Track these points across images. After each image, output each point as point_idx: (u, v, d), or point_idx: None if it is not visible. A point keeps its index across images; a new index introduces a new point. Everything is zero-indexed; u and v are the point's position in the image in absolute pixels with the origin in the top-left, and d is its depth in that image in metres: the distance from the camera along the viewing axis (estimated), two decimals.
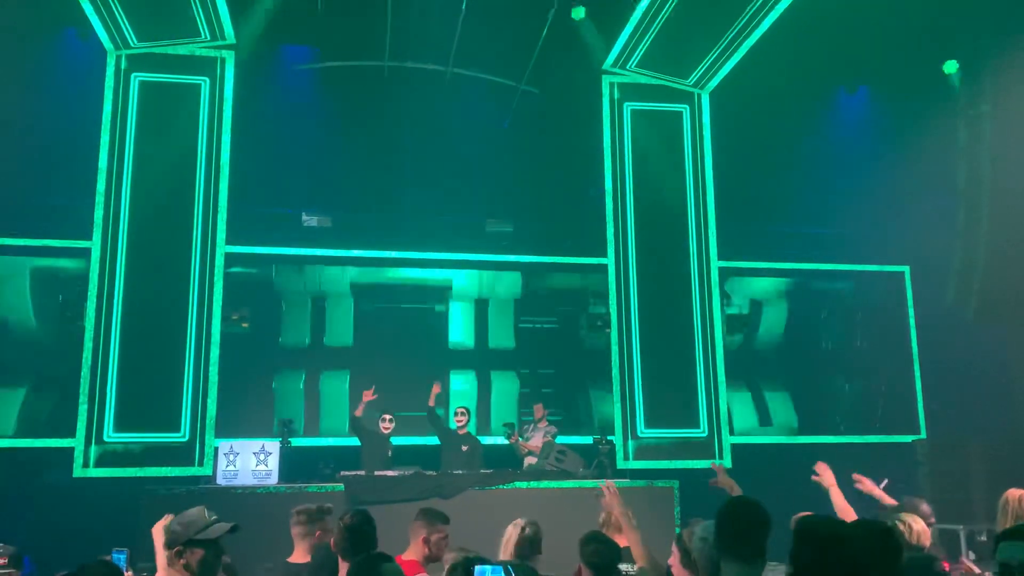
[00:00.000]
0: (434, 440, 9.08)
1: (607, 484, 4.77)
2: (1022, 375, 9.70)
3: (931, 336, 11.56)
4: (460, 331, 11.03)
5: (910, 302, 11.96)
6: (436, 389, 9.07)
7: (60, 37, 9.99)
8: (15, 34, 9.24)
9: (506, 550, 4.37)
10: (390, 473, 8.48)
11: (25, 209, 9.49)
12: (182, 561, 3.06)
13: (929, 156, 10.57)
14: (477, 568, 2.96)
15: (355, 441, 9.20)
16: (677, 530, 8.37)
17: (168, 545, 3.13)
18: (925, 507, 4.99)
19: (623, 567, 4.27)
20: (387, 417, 8.99)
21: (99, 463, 8.72)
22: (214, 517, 3.20)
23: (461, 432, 9.07)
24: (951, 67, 10.56)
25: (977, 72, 9.98)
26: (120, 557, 4.56)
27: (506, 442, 9.36)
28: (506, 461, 9.25)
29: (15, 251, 9.45)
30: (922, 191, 10.70)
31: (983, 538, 8.26)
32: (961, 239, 9.90)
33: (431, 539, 4.41)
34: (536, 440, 9.25)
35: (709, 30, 9.66)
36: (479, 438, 9.30)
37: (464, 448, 8.96)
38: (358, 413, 8.80)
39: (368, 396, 8.81)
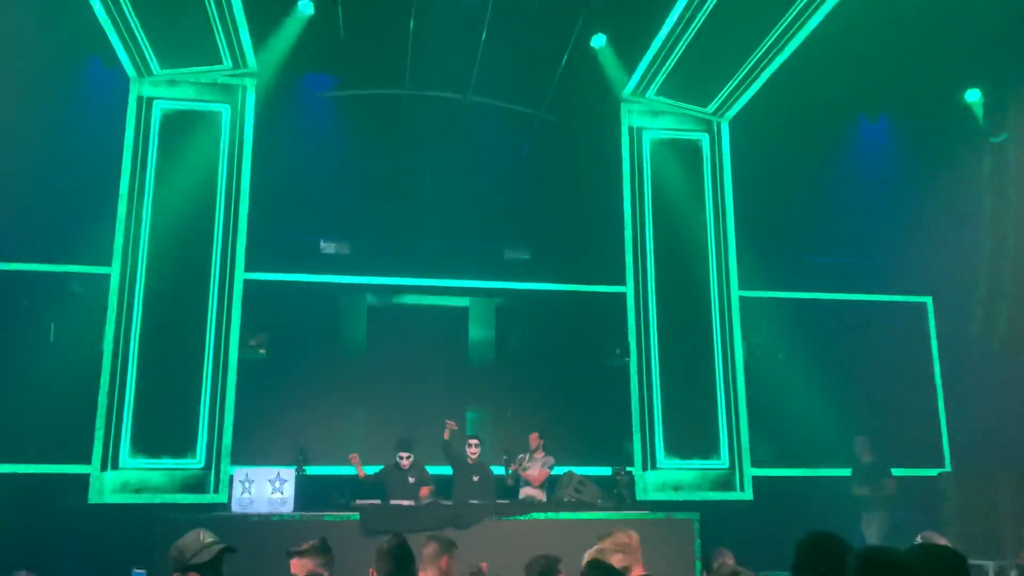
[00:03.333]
0: (449, 470, 9.00)
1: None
2: None
3: (955, 367, 11.41)
4: (479, 357, 10.95)
5: (933, 332, 11.83)
6: (452, 425, 9.02)
7: (84, 65, 10.12)
8: (40, 61, 9.37)
9: None
10: (405, 503, 8.39)
11: (46, 234, 9.55)
12: None
13: (950, 185, 10.50)
14: None
15: (369, 469, 9.18)
16: (697, 564, 8.23)
17: (169, 572, 3.15)
18: (943, 542, 4.84)
19: None
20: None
21: (114, 489, 8.67)
22: (210, 540, 3.20)
23: (472, 462, 8.99)
24: (972, 96, 10.50)
25: (999, 100, 9.91)
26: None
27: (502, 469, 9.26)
28: (512, 492, 9.15)
29: (35, 276, 9.49)
30: (943, 221, 10.60)
31: (1014, 574, 8.06)
32: (987, 268, 9.77)
33: (450, 563, 4.41)
34: (535, 470, 9.10)
35: (729, 58, 9.66)
36: (492, 468, 9.21)
37: (475, 478, 8.87)
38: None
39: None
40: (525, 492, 9.05)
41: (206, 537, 3.28)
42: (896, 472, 10.97)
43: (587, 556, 4.53)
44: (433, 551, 4.76)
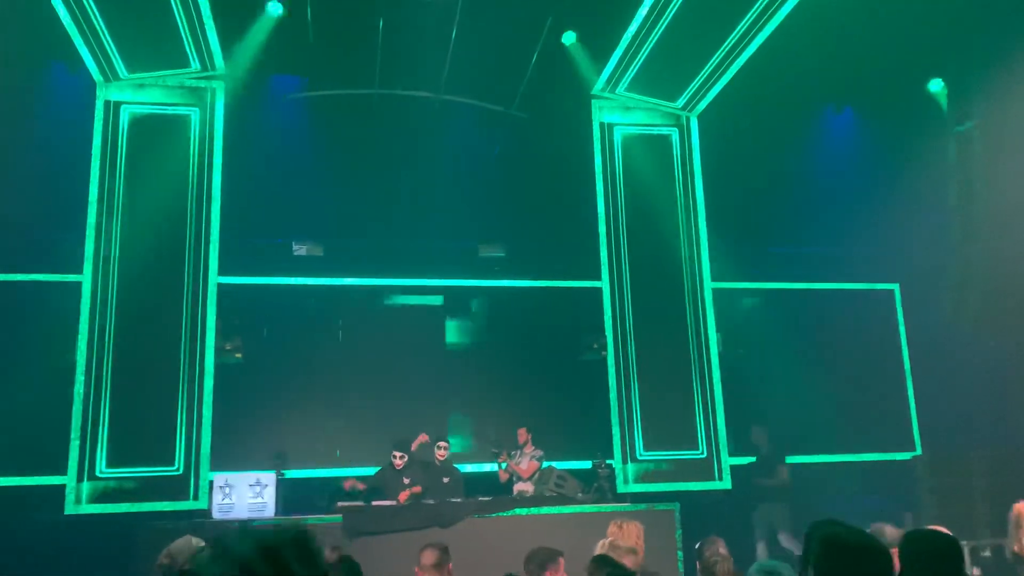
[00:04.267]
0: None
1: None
2: (1020, 388, 9.73)
3: (923, 352, 11.63)
4: (456, 356, 10.97)
5: (900, 319, 12.06)
6: (423, 438, 9.05)
7: (48, 71, 9.97)
8: (3, 68, 9.21)
9: None
10: (387, 503, 8.39)
11: (15, 243, 9.41)
12: None
13: (915, 174, 10.68)
14: None
15: (346, 472, 9.17)
16: (679, 553, 8.34)
17: None
18: (891, 530, 4.88)
19: None
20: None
21: (92, 499, 8.55)
22: (202, 545, 3.20)
23: (438, 463, 9.02)
24: (936, 85, 10.71)
25: (964, 89, 10.10)
26: None
27: (494, 468, 9.30)
28: (496, 489, 9.19)
29: (5, 286, 9.34)
30: (909, 209, 10.79)
31: (987, 553, 8.24)
32: (956, 255, 9.96)
33: (449, 569, 4.44)
34: (524, 464, 9.19)
35: (697, 54, 9.74)
36: (459, 467, 9.25)
37: (445, 480, 8.91)
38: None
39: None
40: (518, 487, 9.11)
41: (197, 542, 3.29)
42: (869, 457, 11.20)
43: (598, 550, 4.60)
44: (436, 558, 4.77)
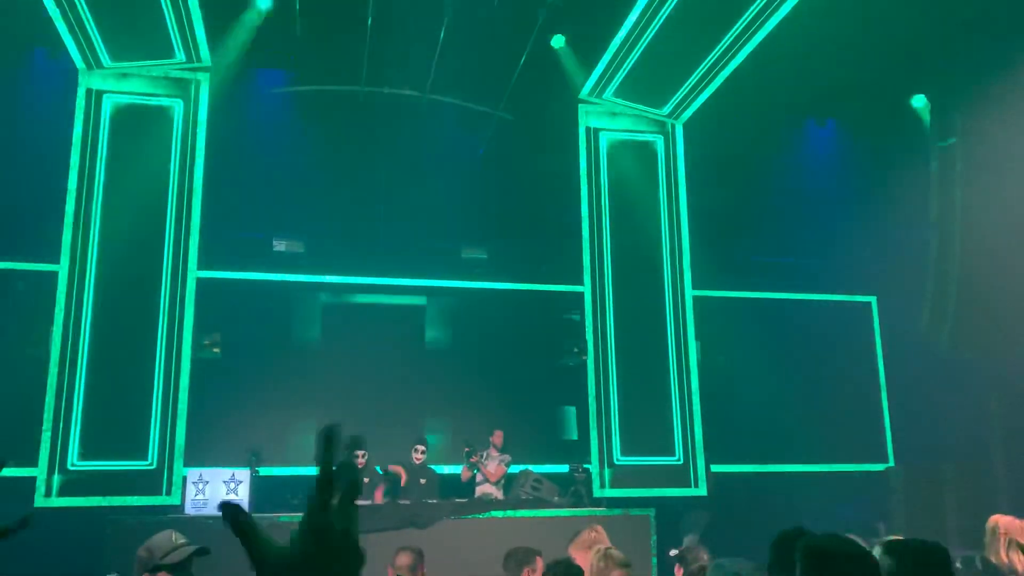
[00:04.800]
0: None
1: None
2: (992, 402, 9.86)
3: (898, 365, 11.75)
4: (435, 356, 10.93)
5: (877, 331, 12.17)
6: (396, 469, 9.03)
7: (28, 56, 9.84)
8: None
9: None
10: (363, 503, 8.35)
11: None
12: None
13: (895, 188, 10.80)
14: None
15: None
16: (654, 559, 8.36)
17: (137, 572, 3.08)
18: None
19: None
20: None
21: (62, 492, 8.42)
22: (182, 541, 3.16)
23: (417, 463, 9.01)
24: (919, 101, 10.82)
25: (946, 105, 10.22)
26: None
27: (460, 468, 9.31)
28: (468, 489, 9.19)
29: None
30: (888, 222, 10.91)
31: (958, 564, 8.30)
32: (934, 269, 10.07)
33: (423, 571, 4.41)
34: (492, 467, 9.18)
35: (684, 62, 9.79)
36: (435, 468, 9.23)
37: (422, 481, 8.92)
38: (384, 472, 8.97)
39: (396, 469, 9.00)
40: (481, 490, 9.10)
41: (178, 538, 3.24)
42: (842, 467, 11.28)
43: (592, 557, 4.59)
44: (411, 561, 4.76)
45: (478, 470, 9.20)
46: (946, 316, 9.61)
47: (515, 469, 9.23)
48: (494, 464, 9.23)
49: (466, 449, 9.24)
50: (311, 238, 10.87)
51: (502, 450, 9.36)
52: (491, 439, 9.41)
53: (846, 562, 2.44)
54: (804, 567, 2.49)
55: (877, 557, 3.39)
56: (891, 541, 2.79)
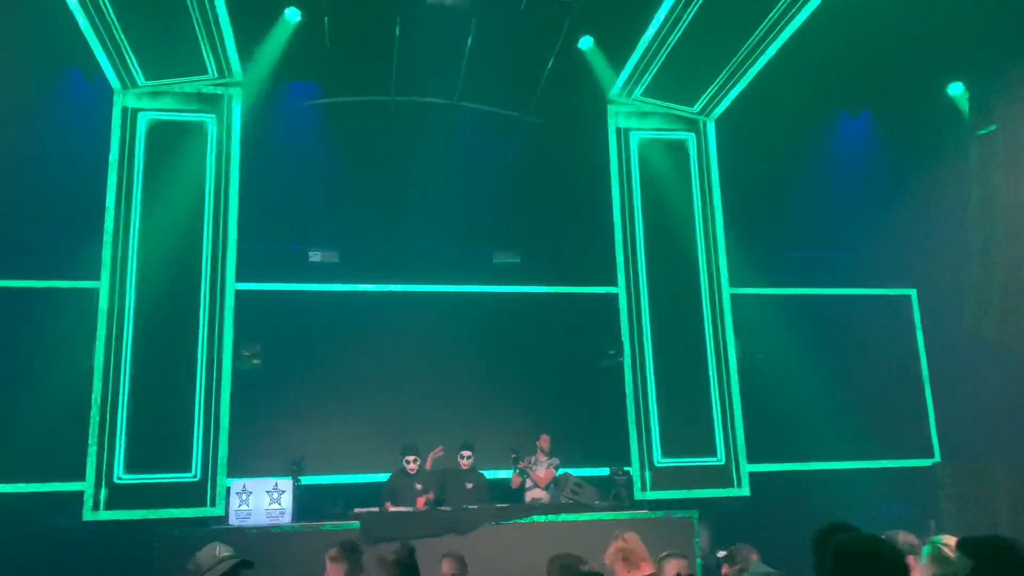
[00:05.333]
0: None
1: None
2: None
3: (941, 358, 11.54)
4: (471, 362, 10.93)
5: (918, 324, 11.97)
6: (438, 452, 9.04)
7: (65, 78, 10.02)
8: (20, 76, 9.26)
9: None
10: (405, 509, 8.39)
11: (33, 250, 9.45)
12: None
13: (931, 178, 10.63)
14: None
15: (361, 478, 9.16)
16: (698, 561, 8.28)
17: None
18: (904, 536, 4.74)
19: None
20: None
21: (109, 505, 8.54)
22: (226, 553, 3.20)
23: (464, 467, 9.01)
24: (955, 88, 10.62)
25: (985, 91, 10.02)
26: None
27: (510, 474, 9.29)
28: (513, 496, 9.17)
29: (23, 293, 9.37)
30: (926, 213, 10.74)
31: None
32: (977, 259, 9.87)
33: None
34: (541, 471, 9.17)
35: (714, 58, 9.70)
36: (483, 472, 9.22)
37: (469, 485, 8.90)
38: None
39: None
40: (531, 495, 9.10)
41: (222, 551, 3.30)
42: (887, 464, 11.09)
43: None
44: (454, 568, 4.79)
45: (527, 475, 9.20)
46: (991, 307, 9.41)
47: (576, 473, 9.19)
48: (543, 468, 9.23)
49: (513, 455, 9.23)
50: (346, 248, 10.97)
51: (550, 454, 9.36)
52: (538, 443, 9.41)
53: (872, 561, 2.40)
54: (834, 569, 2.45)
55: (927, 555, 3.31)
56: (967, 539, 2.71)
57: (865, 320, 11.81)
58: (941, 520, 9.15)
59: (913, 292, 12.09)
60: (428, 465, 9.03)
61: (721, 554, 4.85)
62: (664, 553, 4.56)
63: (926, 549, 3.87)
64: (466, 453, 9.06)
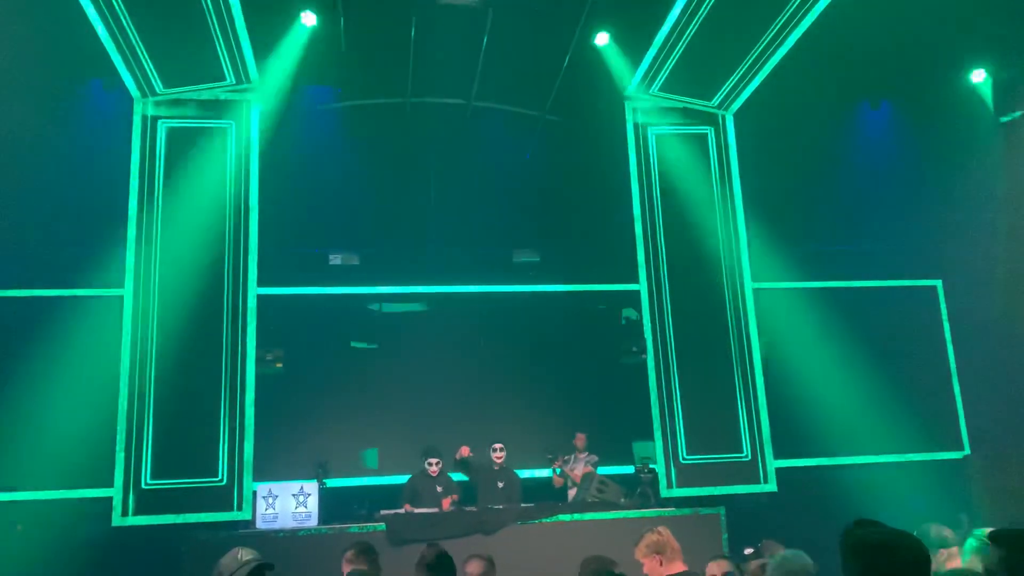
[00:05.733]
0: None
1: None
2: None
3: (968, 349, 11.38)
4: (494, 361, 10.92)
5: (944, 316, 11.81)
6: (464, 452, 9.02)
7: (85, 88, 10.12)
8: (42, 88, 9.37)
9: None
10: (430, 511, 8.38)
11: (57, 259, 9.54)
12: None
13: (955, 168, 10.50)
14: None
15: (385, 480, 9.18)
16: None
17: None
18: (936, 529, 4.67)
19: None
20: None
21: (138, 511, 8.63)
22: (248, 557, 3.24)
23: (497, 467, 8.98)
24: (978, 75, 10.48)
25: (1008, 79, 9.89)
26: None
27: (547, 474, 9.26)
28: (545, 495, 9.14)
29: (49, 302, 9.46)
30: (952, 203, 10.60)
31: None
32: (1003, 249, 9.74)
33: None
34: (579, 469, 9.16)
35: (732, 51, 9.64)
36: (517, 472, 9.19)
37: (500, 484, 8.87)
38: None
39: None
40: (573, 493, 9.08)
41: (244, 555, 3.33)
42: (916, 457, 10.95)
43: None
44: (482, 569, 4.77)
45: (560, 472, 9.18)
46: (1018, 297, 9.28)
47: (602, 471, 9.16)
48: (581, 466, 9.22)
49: (548, 456, 9.22)
50: (366, 250, 10.99)
51: (587, 451, 9.36)
52: (574, 442, 9.40)
53: (888, 551, 2.36)
54: (851, 562, 2.41)
55: (971, 548, 3.25)
56: (997, 531, 2.65)
57: (891, 312, 11.65)
58: (972, 513, 9.03)
59: (939, 283, 11.92)
60: (457, 458, 8.99)
61: (748, 551, 4.78)
62: (713, 555, 4.51)
63: (970, 542, 3.80)
64: (497, 446, 9.03)
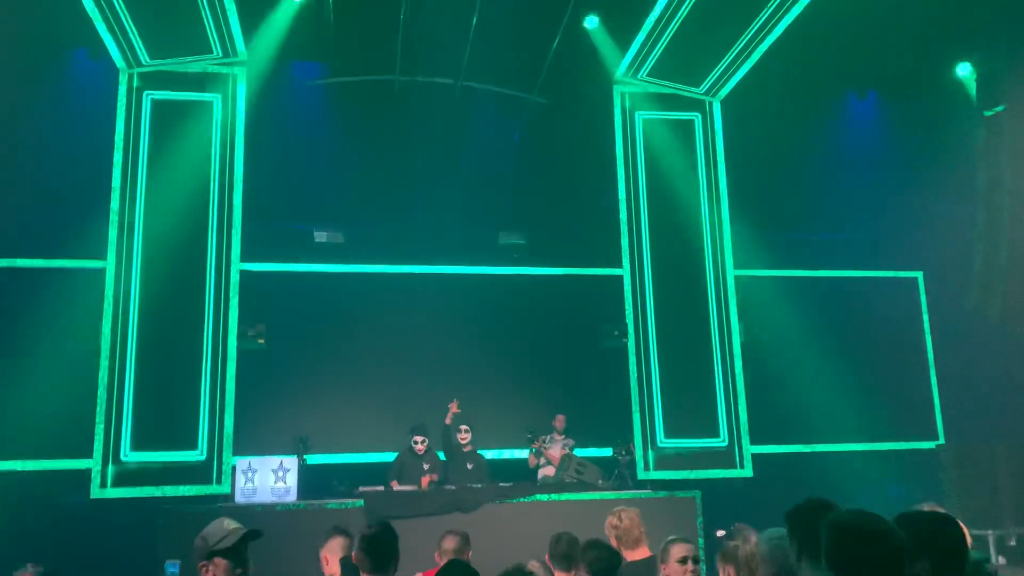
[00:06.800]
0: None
1: None
2: None
3: (946, 341, 11.51)
4: (476, 343, 10.95)
5: (924, 307, 11.93)
6: (454, 408, 9.04)
7: (71, 58, 10.02)
8: (26, 56, 9.28)
9: None
10: (409, 488, 8.43)
11: (39, 230, 9.47)
12: (209, 574, 3.07)
13: (939, 160, 10.56)
14: None
15: (365, 457, 9.20)
16: (701, 541, 8.30)
17: (194, 561, 3.15)
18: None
19: None
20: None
21: (116, 483, 8.64)
22: (234, 526, 3.23)
23: (466, 450, 9.03)
24: (963, 69, 10.55)
25: (992, 73, 9.94)
26: (174, 570, 4.53)
27: (521, 455, 9.32)
28: (517, 475, 9.20)
29: (29, 272, 9.41)
30: (934, 195, 10.69)
31: (1012, 542, 8.17)
32: (982, 242, 9.83)
33: (468, 555, 4.44)
34: (555, 451, 9.23)
35: (720, 38, 9.65)
36: (482, 452, 9.27)
37: (469, 466, 8.94)
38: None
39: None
40: (543, 472, 9.16)
41: (230, 524, 3.32)
42: (891, 446, 11.09)
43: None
44: (457, 544, 4.79)
45: (537, 452, 9.25)
46: (996, 290, 9.38)
47: (579, 452, 9.24)
48: (557, 448, 9.29)
49: (528, 435, 9.28)
50: (351, 228, 10.95)
51: (564, 434, 9.42)
52: (553, 423, 9.46)
53: (871, 538, 2.39)
54: (829, 544, 2.44)
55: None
56: (903, 514, 2.69)
57: (871, 302, 11.77)
58: (943, 502, 9.16)
59: (919, 275, 12.04)
60: (448, 420, 9.01)
61: (720, 534, 4.82)
62: (670, 538, 4.52)
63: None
64: (464, 428, 9.06)
